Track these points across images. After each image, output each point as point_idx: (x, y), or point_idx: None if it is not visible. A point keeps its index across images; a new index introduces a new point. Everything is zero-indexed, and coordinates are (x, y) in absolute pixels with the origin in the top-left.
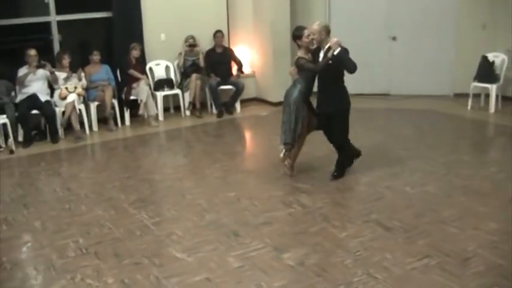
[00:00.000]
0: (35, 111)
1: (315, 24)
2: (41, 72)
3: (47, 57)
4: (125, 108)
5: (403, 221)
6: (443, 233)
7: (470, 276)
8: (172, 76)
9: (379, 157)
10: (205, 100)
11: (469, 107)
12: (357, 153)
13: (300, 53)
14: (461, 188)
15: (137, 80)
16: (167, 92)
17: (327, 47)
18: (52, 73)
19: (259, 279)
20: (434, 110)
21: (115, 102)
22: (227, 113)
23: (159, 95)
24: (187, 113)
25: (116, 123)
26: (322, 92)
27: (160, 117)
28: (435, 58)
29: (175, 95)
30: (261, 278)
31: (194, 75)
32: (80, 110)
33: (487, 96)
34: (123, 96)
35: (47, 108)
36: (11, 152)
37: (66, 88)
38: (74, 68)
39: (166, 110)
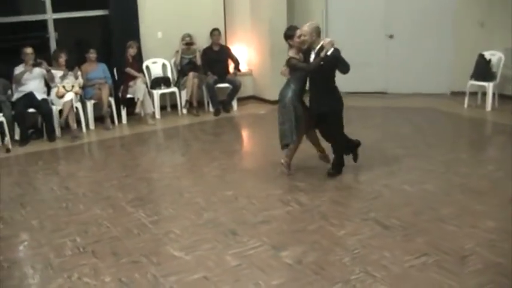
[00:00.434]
0: (31, 110)
1: (305, 25)
2: (37, 70)
3: (44, 56)
4: (121, 107)
5: (401, 219)
6: (442, 231)
7: (468, 274)
8: (169, 74)
9: (376, 155)
10: (202, 98)
11: (465, 105)
12: (356, 143)
13: (291, 53)
14: (459, 186)
15: (134, 78)
16: (164, 90)
17: (318, 47)
18: (48, 71)
19: (257, 278)
20: (432, 108)
21: (112, 100)
22: (224, 111)
23: (156, 93)
24: (184, 111)
25: (113, 122)
26: (314, 92)
27: (157, 116)
28: (432, 56)
29: (172, 93)
30: (259, 277)
31: (191, 74)
32: (76, 108)
33: (484, 94)
34: (120, 95)
35: (44, 107)
36: (8, 150)
37: (64, 86)
38: (70, 66)
39: (163, 108)
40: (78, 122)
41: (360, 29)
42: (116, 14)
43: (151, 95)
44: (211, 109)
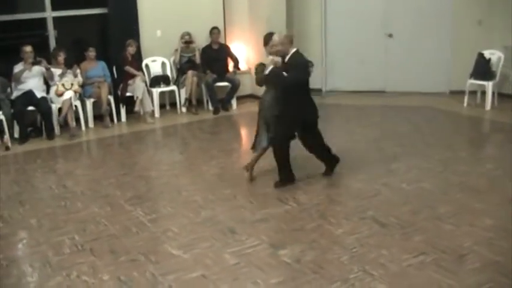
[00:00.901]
0: (30, 108)
1: (275, 35)
2: (36, 68)
3: (43, 54)
4: (120, 105)
5: (399, 218)
6: (440, 229)
7: (467, 272)
8: (168, 73)
9: (375, 154)
10: (201, 97)
11: (465, 104)
12: (336, 159)
13: (269, 60)
14: (458, 185)
15: (133, 76)
16: (163, 88)
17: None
18: (48, 69)
19: (255, 276)
20: (430, 107)
21: (111, 98)
22: (223, 109)
23: (155, 91)
24: (184, 109)
25: (112, 120)
26: (289, 102)
27: (156, 114)
28: (431, 55)
29: (172, 92)
30: (257, 275)
31: (190, 72)
32: (75, 106)
33: (483, 93)
34: (119, 93)
35: (43, 105)
36: (7, 148)
37: (63, 85)
38: (69, 65)
39: (162, 106)
40: (77, 120)
41: (359, 28)
42: (115, 13)
43: (150, 94)
44: (210, 107)
